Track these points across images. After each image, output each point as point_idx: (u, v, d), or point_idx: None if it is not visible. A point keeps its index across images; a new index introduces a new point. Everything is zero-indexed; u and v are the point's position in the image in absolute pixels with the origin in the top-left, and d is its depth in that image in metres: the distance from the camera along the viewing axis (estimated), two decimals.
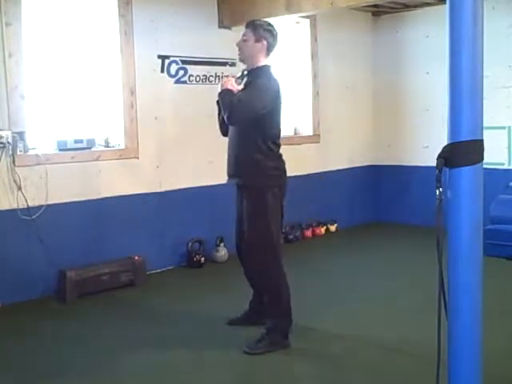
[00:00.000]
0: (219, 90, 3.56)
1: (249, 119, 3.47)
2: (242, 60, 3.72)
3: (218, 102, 3.66)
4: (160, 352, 3.57)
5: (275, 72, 3.69)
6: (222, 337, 3.79)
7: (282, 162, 3.68)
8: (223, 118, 3.61)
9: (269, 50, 3.63)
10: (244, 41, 3.62)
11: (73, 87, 5.03)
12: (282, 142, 3.73)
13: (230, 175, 3.73)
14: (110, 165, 5.11)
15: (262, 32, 3.59)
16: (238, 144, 3.63)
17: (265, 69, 3.63)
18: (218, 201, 5.52)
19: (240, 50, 3.66)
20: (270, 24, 3.67)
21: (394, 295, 4.60)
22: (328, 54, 6.91)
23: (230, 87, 3.51)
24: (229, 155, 3.73)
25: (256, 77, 3.58)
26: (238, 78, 3.65)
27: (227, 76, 3.63)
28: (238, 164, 3.64)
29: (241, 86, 3.56)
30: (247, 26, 3.64)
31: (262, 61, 3.63)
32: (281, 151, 3.69)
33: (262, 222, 3.56)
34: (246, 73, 3.67)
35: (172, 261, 5.54)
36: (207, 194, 5.68)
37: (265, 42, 3.59)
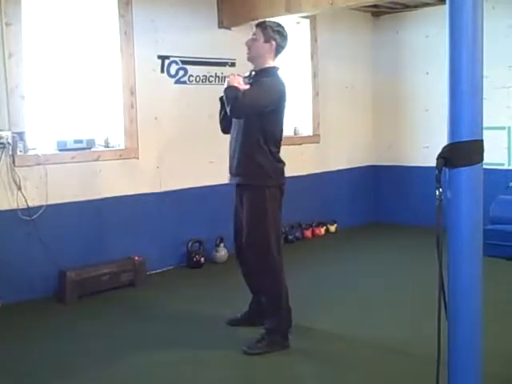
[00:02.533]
0: (225, 86, 3.56)
1: (251, 114, 3.47)
2: (249, 59, 3.70)
3: (220, 98, 3.66)
4: (160, 352, 3.57)
5: (282, 74, 3.69)
6: (222, 337, 3.79)
7: (281, 164, 3.68)
8: (224, 114, 3.62)
9: (277, 51, 3.63)
10: (253, 40, 3.62)
11: (73, 87, 5.03)
12: (282, 142, 3.73)
13: (231, 174, 3.73)
14: (110, 165, 5.11)
15: (271, 33, 3.59)
16: (240, 142, 3.62)
17: (272, 70, 3.63)
18: (218, 201, 5.51)
19: (249, 48, 3.65)
20: (280, 25, 3.66)
21: (394, 295, 4.60)
22: (328, 54, 6.91)
23: (236, 84, 3.51)
24: (230, 154, 3.73)
25: (262, 77, 3.59)
26: (246, 77, 3.65)
27: (234, 75, 3.61)
28: (238, 162, 3.65)
29: (247, 86, 3.55)
30: (257, 26, 3.65)
31: (270, 62, 3.63)
32: (281, 153, 3.69)
33: (262, 222, 3.56)
34: (253, 73, 3.67)
35: (172, 261, 5.54)
36: (207, 194, 5.68)
37: (273, 43, 3.58)
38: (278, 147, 3.67)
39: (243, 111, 3.48)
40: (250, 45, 3.64)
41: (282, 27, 3.67)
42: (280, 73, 3.67)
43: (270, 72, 3.62)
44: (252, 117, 3.49)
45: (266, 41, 3.58)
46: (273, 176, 3.59)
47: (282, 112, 3.65)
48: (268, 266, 3.60)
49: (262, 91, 3.51)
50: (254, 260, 3.64)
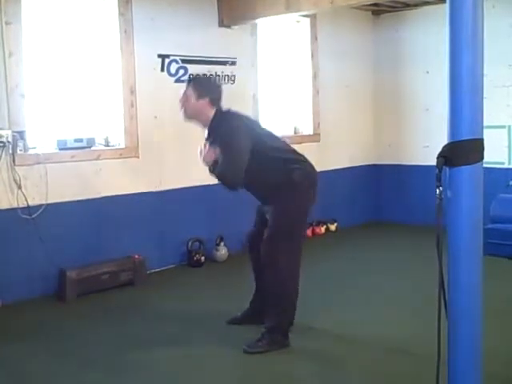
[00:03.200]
0: (202, 163, 3.53)
1: (241, 175, 3.45)
2: (188, 118, 3.63)
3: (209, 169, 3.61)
4: (160, 351, 3.57)
5: (224, 107, 3.61)
6: (222, 336, 3.78)
7: (303, 164, 3.65)
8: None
9: (214, 103, 3.55)
10: (186, 100, 3.55)
11: (73, 86, 5.03)
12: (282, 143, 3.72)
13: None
14: (110, 164, 5.11)
15: (202, 88, 3.53)
16: (257, 184, 3.60)
17: (218, 117, 3.55)
18: (218, 200, 5.51)
19: (183, 107, 3.58)
20: (209, 78, 3.62)
21: (394, 295, 4.60)
22: (328, 52, 6.90)
23: (209, 160, 3.49)
24: (255, 195, 3.70)
25: (216, 130, 3.53)
26: (206, 139, 3.59)
27: (201, 152, 3.55)
28: (264, 197, 3.65)
29: (216, 150, 3.47)
30: (188, 83, 3.59)
31: (211, 113, 3.55)
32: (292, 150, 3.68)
33: (289, 219, 3.56)
34: (207, 133, 3.61)
35: (172, 260, 5.53)
36: (207, 192, 5.65)
37: (207, 99, 3.52)
38: (286, 148, 3.64)
39: (237, 183, 3.49)
40: (184, 104, 3.56)
41: (213, 78, 3.62)
42: (223, 109, 3.59)
43: (218, 120, 3.54)
44: (246, 164, 3.46)
45: (199, 97, 3.51)
46: (300, 181, 3.57)
47: (256, 131, 3.59)
48: (286, 264, 3.55)
49: (232, 150, 3.45)
50: (273, 256, 3.55)
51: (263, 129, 3.81)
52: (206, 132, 3.63)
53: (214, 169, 3.53)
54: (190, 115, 3.61)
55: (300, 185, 3.57)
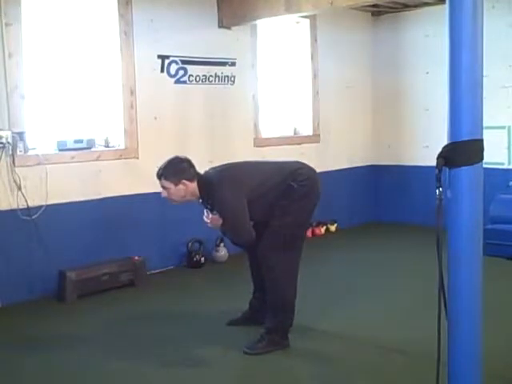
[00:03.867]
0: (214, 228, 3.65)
1: (248, 229, 3.50)
2: (180, 203, 3.71)
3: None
4: (160, 352, 3.57)
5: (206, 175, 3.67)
6: (222, 337, 3.78)
7: (299, 171, 3.61)
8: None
9: (191, 179, 3.59)
10: (167, 192, 3.61)
11: (73, 87, 5.03)
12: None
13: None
14: (110, 165, 5.11)
15: (174, 175, 3.57)
16: (264, 214, 3.59)
17: (203, 185, 3.60)
18: None
19: (171, 198, 3.65)
20: (171, 161, 3.63)
21: (394, 295, 4.60)
22: (328, 53, 6.90)
23: (216, 225, 3.60)
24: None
25: (210, 199, 3.60)
26: (207, 209, 3.67)
27: (207, 219, 3.66)
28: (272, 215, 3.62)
29: (215, 215, 3.57)
30: (159, 178, 3.62)
31: (193, 186, 3.60)
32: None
33: (290, 220, 3.54)
34: (200, 201, 3.69)
35: (172, 261, 5.53)
36: None
37: (184, 181, 3.57)
38: (284, 176, 3.59)
39: (247, 237, 3.53)
40: (169, 196, 3.63)
41: (174, 160, 3.64)
42: (202, 176, 3.64)
43: (205, 188, 3.59)
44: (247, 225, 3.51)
45: (177, 184, 3.57)
46: (299, 191, 3.55)
47: (246, 183, 3.58)
48: (278, 265, 3.55)
49: (230, 215, 3.51)
50: (274, 259, 3.55)
51: (248, 168, 3.79)
52: (201, 201, 3.70)
53: (223, 230, 3.65)
54: (181, 201, 3.69)
55: (300, 189, 3.55)
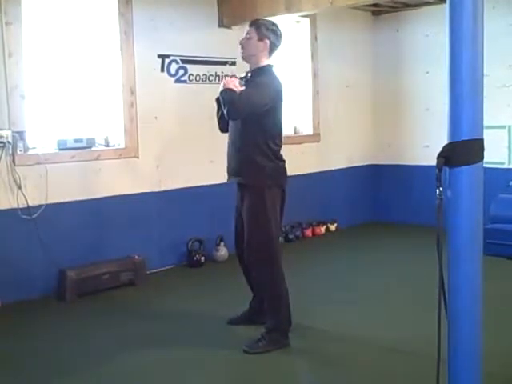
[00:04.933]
0: (221, 89, 3.56)
1: (248, 115, 3.47)
2: (244, 58, 3.72)
3: (217, 99, 3.67)
4: (160, 352, 3.57)
5: (277, 72, 3.70)
6: (222, 336, 3.79)
7: (282, 162, 3.67)
8: (222, 113, 3.62)
9: (271, 49, 3.64)
10: (247, 39, 3.63)
11: (73, 87, 5.03)
12: (282, 140, 3.73)
13: (229, 174, 3.73)
14: (110, 164, 5.11)
15: (264, 31, 3.60)
16: (238, 143, 3.62)
17: (267, 68, 3.65)
18: (218, 200, 5.51)
19: (243, 48, 3.67)
20: (273, 24, 3.68)
21: (394, 295, 4.60)
22: (328, 53, 6.90)
23: (231, 87, 3.50)
24: (228, 154, 3.73)
25: (258, 76, 3.61)
26: (242, 78, 3.66)
27: (231, 76, 3.63)
28: (237, 163, 3.65)
29: (243, 87, 3.54)
30: (251, 25, 3.66)
31: (265, 61, 3.64)
32: (282, 151, 3.69)
33: (262, 221, 3.56)
34: (249, 75, 3.68)
35: (172, 260, 5.54)
36: (207, 193, 5.67)
37: (267, 41, 3.60)
38: (279, 145, 3.66)
39: (240, 113, 3.48)
40: (244, 43, 3.65)
41: (276, 25, 3.67)
42: (275, 70, 3.68)
43: (265, 71, 3.63)
44: (249, 116, 3.49)
45: (260, 39, 3.59)
46: (273, 176, 3.59)
47: (279, 110, 3.65)
48: (268, 265, 3.60)
49: (258, 91, 3.51)
50: (254, 259, 3.64)
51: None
52: (244, 74, 3.70)
53: (224, 95, 3.51)
54: (248, 56, 3.67)
55: (270, 179, 3.57)
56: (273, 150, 3.60)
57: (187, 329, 3.95)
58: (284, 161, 3.69)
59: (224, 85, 3.54)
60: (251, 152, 3.56)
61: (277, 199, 3.61)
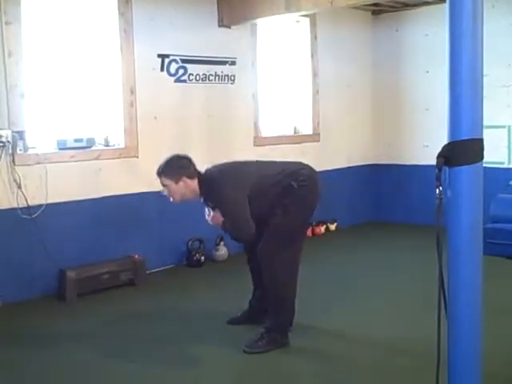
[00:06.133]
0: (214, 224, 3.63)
1: (250, 224, 3.47)
2: (180, 201, 3.71)
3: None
4: (160, 351, 3.57)
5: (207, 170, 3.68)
6: (222, 336, 3.78)
7: (300, 172, 3.61)
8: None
9: (191, 176, 3.60)
10: (168, 188, 3.61)
11: (72, 86, 5.03)
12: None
13: None
14: (110, 164, 5.11)
15: (175, 173, 3.58)
16: (263, 212, 3.57)
17: (203, 183, 3.60)
18: None
19: (171, 196, 3.65)
20: (172, 158, 3.64)
21: (394, 294, 4.60)
22: (328, 52, 6.90)
23: (217, 223, 3.58)
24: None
25: (208, 194, 3.60)
26: (208, 207, 3.66)
27: (209, 217, 3.68)
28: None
29: (217, 212, 3.57)
30: (159, 175, 3.63)
31: (196, 183, 3.60)
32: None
33: (290, 219, 3.54)
34: (203, 199, 3.68)
35: (172, 260, 5.53)
36: None
37: (183, 178, 3.57)
38: (276, 173, 3.61)
39: (246, 234, 3.52)
40: (169, 193, 3.64)
41: (174, 157, 3.65)
42: (202, 174, 3.64)
43: (206, 186, 3.59)
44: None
45: (177, 182, 3.57)
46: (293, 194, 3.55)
47: (242, 180, 3.58)
48: (278, 264, 3.54)
49: (228, 208, 3.51)
50: (264, 254, 3.56)
51: (249, 166, 3.81)
52: (202, 199, 3.69)
53: (224, 227, 3.61)
54: (182, 199, 3.68)
55: (301, 189, 3.54)
56: (288, 184, 3.54)
57: (187, 328, 3.95)
58: (303, 168, 3.65)
59: (214, 225, 3.64)
60: (274, 199, 3.56)
61: (303, 200, 3.59)
